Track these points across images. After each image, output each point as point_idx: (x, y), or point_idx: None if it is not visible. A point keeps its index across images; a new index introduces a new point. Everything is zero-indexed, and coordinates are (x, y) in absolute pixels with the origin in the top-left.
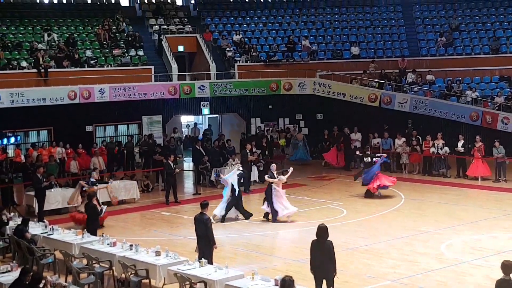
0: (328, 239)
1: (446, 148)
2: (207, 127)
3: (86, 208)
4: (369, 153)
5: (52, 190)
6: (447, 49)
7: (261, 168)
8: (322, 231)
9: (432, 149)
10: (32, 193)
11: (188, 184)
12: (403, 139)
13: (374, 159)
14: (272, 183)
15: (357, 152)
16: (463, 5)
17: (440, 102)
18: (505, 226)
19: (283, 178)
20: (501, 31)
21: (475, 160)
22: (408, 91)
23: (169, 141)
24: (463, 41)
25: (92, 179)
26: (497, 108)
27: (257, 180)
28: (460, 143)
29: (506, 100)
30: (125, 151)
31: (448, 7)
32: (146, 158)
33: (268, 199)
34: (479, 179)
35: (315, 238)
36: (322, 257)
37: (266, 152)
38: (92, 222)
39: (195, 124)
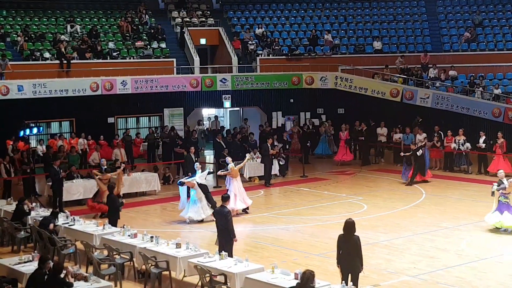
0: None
1: (468, 144)
2: (243, 121)
3: (107, 200)
4: (417, 147)
5: (74, 181)
6: (470, 45)
7: (281, 163)
8: (350, 225)
9: (453, 145)
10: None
11: (209, 177)
12: (424, 134)
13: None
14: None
15: (401, 154)
16: (487, 0)
17: (462, 98)
18: None
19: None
20: None
21: (496, 157)
22: (430, 86)
23: (191, 133)
24: (486, 37)
25: (104, 167)
26: None
27: (278, 174)
28: (481, 139)
29: None
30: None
31: (471, 2)
32: (167, 150)
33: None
34: None
35: (342, 232)
36: (349, 251)
37: (287, 146)
38: (112, 214)
39: (216, 117)
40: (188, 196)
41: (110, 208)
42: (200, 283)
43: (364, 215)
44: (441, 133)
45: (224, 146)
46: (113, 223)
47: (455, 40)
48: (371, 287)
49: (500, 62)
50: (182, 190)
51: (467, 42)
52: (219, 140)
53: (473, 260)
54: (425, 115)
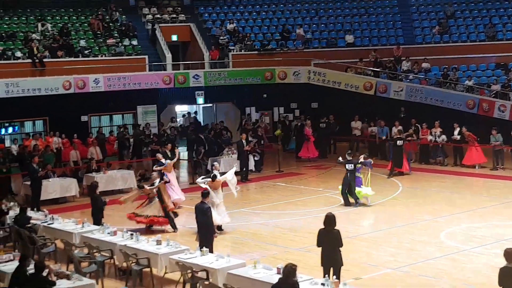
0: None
1: (444, 136)
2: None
3: (91, 199)
4: (401, 136)
5: (50, 179)
6: (443, 37)
7: (256, 158)
8: (330, 219)
9: (429, 137)
10: (29, 182)
11: (183, 173)
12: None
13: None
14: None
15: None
16: None
17: (436, 90)
18: (503, 214)
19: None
20: (497, 17)
21: (468, 148)
22: (403, 79)
23: (167, 130)
24: (458, 29)
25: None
26: (493, 95)
27: (253, 169)
28: (456, 131)
29: (502, 87)
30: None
31: None
32: (138, 148)
33: None
34: (477, 167)
35: (323, 226)
36: (330, 245)
37: (262, 141)
38: (96, 213)
39: (189, 113)
40: None
41: (94, 207)
42: (182, 280)
43: (342, 209)
44: (418, 125)
45: (206, 143)
46: (97, 222)
47: (427, 32)
48: (353, 281)
49: (473, 53)
50: None
51: (439, 34)
52: (202, 137)
53: (452, 252)
54: (399, 108)
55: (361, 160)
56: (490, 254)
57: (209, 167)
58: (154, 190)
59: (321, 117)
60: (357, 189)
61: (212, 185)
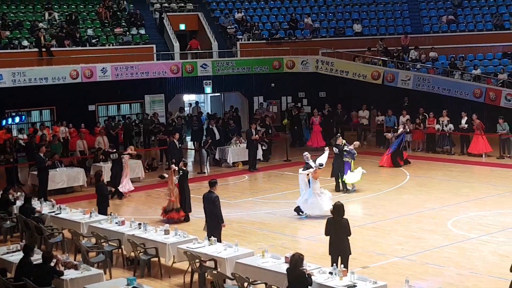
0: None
1: (451, 125)
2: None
3: (96, 188)
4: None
5: (57, 169)
6: (450, 26)
7: (264, 147)
8: (339, 208)
9: (437, 126)
10: (37, 172)
11: (190, 163)
12: (407, 116)
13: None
14: None
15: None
16: None
17: (443, 79)
18: (510, 202)
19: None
20: (504, 7)
21: (474, 137)
22: (411, 68)
23: (175, 119)
24: (466, 18)
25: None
26: (500, 84)
27: (261, 159)
28: (463, 120)
29: (509, 76)
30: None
31: None
32: (147, 138)
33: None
34: (483, 155)
35: (331, 215)
36: (338, 234)
37: (270, 131)
38: (102, 202)
39: (197, 102)
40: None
41: (99, 196)
42: (190, 269)
43: (349, 198)
44: (426, 114)
45: (215, 133)
46: (103, 211)
47: (435, 21)
48: (360, 269)
49: (480, 42)
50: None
51: (447, 23)
52: (211, 126)
53: (459, 240)
54: (407, 97)
55: (349, 148)
56: (497, 242)
57: (217, 156)
58: (175, 181)
59: (324, 106)
60: (346, 175)
61: (315, 175)
